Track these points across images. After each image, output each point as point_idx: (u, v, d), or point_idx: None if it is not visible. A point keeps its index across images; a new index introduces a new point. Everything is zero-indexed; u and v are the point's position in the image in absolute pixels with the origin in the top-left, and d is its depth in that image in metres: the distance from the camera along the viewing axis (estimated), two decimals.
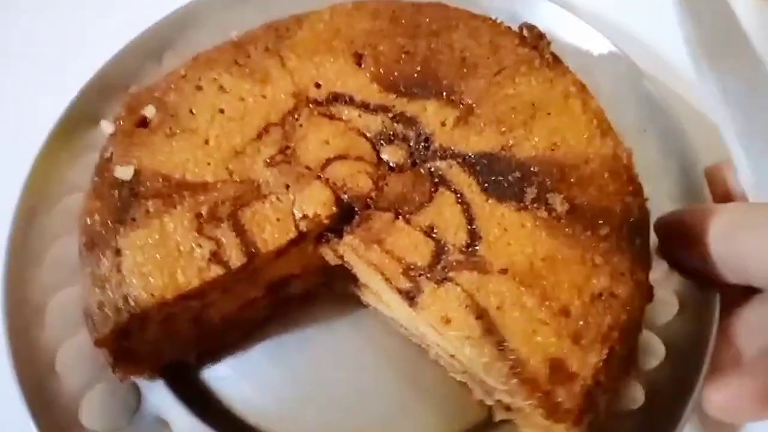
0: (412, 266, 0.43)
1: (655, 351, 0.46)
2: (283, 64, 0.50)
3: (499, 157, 0.46)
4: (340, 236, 0.45)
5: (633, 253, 0.43)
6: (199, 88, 0.49)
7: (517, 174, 0.45)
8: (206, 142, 0.47)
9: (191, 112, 0.48)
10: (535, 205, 0.44)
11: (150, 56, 0.58)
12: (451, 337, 0.41)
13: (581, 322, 0.40)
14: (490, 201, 0.44)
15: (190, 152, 0.47)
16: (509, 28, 0.51)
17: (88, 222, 0.45)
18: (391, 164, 0.47)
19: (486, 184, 0.45)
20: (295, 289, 0.50)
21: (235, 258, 0.43)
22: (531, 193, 0.44)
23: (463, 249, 0.43)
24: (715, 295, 0.46)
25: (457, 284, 0.42)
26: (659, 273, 0.48)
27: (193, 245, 0.43)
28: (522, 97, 0.48)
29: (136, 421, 0.46)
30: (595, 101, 0.48)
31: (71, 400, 0.46)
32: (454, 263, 0.43)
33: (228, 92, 0.49)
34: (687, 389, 0.44)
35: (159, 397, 0.47)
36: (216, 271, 0.43)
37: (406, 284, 0.43)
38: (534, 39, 0.50)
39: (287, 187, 0.46)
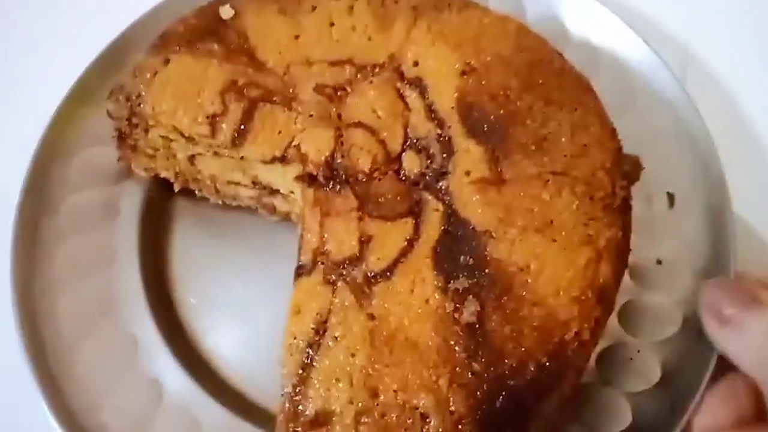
0: (324, 252, 0.43)
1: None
2: (411, 27, 0.50)
3: (474, 236, 0.43)
4: (311, 183, 0.46)
5: None
6: None
7: (471, 262, 0.42)
8: (296, 37, 0.50)
9: (313, 8, 0.51)
10: (454, 296, 0.41)
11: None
12: None
13: None
14: (426, 261, 0.42)
15: (279, 35, 0.50)
16: (614, 149, 0.45)
17: (179, 28, 0.51)
18: (401, 168, 0.46)
19: (440, 246, 0.43)
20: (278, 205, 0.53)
21: (223, 134, 0.47)
22: (461, 284, 0.41)
23: (369, 276, 0.42)
24: None
25: (345, 294, 0.42)
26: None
27: (208, 99, 0.47)
28: (548, 207, 0.43)
29: (158, 414, 0.47)
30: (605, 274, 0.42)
31: (90, 395, 0.46)
32: (354, 278, 0.42)
33: (352, 15, 0.50)
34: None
35: (181, 390, 0.48)
36: (201, 131, 0.47)
37: (307, 261, 0.43)
38: (626, 174, 0.44)
39: (310, 116, 0.47)
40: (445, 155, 0.46)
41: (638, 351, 0.47)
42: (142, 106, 0.48)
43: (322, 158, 0.46)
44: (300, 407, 0.39)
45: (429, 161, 0.46)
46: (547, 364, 0.39)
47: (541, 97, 0.47)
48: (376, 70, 0.49)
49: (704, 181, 0.51)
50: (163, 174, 0.54)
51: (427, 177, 0.45)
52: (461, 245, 0.42)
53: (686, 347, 0.46)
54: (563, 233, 0.42)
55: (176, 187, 0.54)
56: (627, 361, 0.46)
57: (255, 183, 0.52)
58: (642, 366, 0.46)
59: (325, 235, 0.44)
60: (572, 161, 0.44)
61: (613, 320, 0.46)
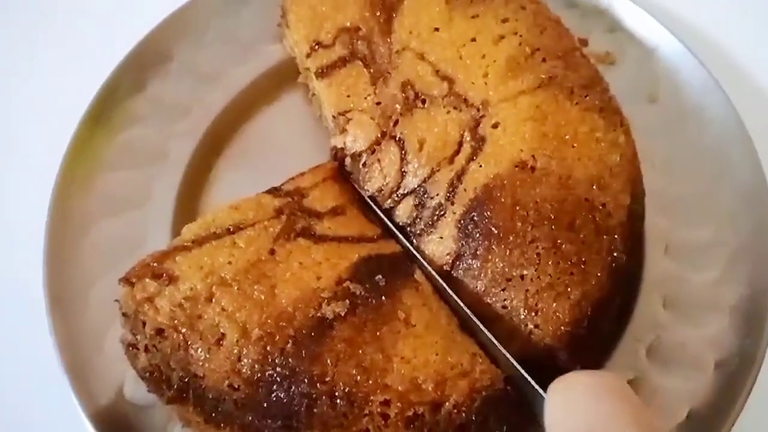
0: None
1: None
2: (527, 93, 0.46)
3: None
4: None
5: None
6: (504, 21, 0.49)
7: None
8: (436, 29, 0.49)
9: (474, 16, 0.49)
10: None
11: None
12: None
13: None
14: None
15: (426, 18, 0.50)
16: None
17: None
18: (394, 209, 0.46)
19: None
20: None
21: (313, 62, 0.50)
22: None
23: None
24: None
25: None
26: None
27: (328, 29, 0.50)
28: None
29: None
30: None
31: (114, 376, 0.45)
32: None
33: (495, 46, 0.48)
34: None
35: None
36: (303, 48, 0.51)
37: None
38: None
39: (378, 103, 0.48)
40: (429, 224, 0.44)
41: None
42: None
43: (352, 150, 0.48)
44: None
45: (414, 221, 0.45)
46: None
47: (553, 243, 0.42)
48: (462, 104, 0.47)
49: None
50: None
51: (408, 228, 0.45)
52: None
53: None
54: None
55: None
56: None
57: None
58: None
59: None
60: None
61: None
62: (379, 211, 0.47)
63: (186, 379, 0.40)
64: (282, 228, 0.44)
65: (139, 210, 0.51)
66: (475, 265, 0.42)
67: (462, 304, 0.42)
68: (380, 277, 0.42)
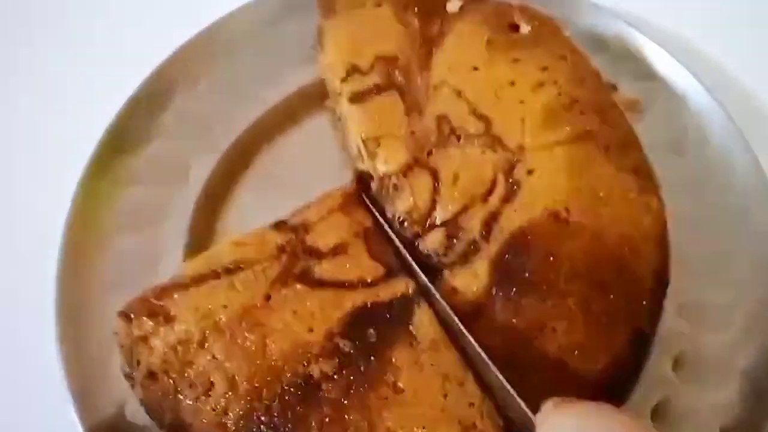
0: None
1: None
2: (562, 145, 0.46)
3: None
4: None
5: None
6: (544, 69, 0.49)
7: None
8: (475, 68, 0.49)
9: (515, 60, 0.49)
10: None
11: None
12: None
13: None
14: None
15: (465, 57, 0.49)
16: None
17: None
18: (422, 238, 0.45)
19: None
20: None
21: (350, 85, 0.49)
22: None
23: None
24: None
25: None
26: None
27: (366, 54, 0.50)
28: None
29: None
30: None
31: (118, 393, 0.44)
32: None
33: (533, 93, 0.48)
34: None
35: None
36: (339, 71, 0.50)
37: None
38: None
39: (412, 133, 0.47)
40: (463, 257, 0.44)
41: None
42: None
43: (382, 171, 0.47)
44: None
45: (446, 252, 0.45)
46: None
47: (585, 300, 0.42)
48: (498, 146, 0.46)
49: None
50: None
51: (434, 262, 0.45)
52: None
53: None
54: None
55: None
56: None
57: None
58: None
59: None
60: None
61: None
62: (393, 236, 0.46)
63: (176, 422, 0.39)
64: (280, 271, 0.43)
65: (156, 226, 0.50)
66: (509, 307, 0.42)
67: (473, 341, 0.41)
68: (372, 331, 0.41)
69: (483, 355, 0.41)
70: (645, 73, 0.57)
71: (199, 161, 0.53)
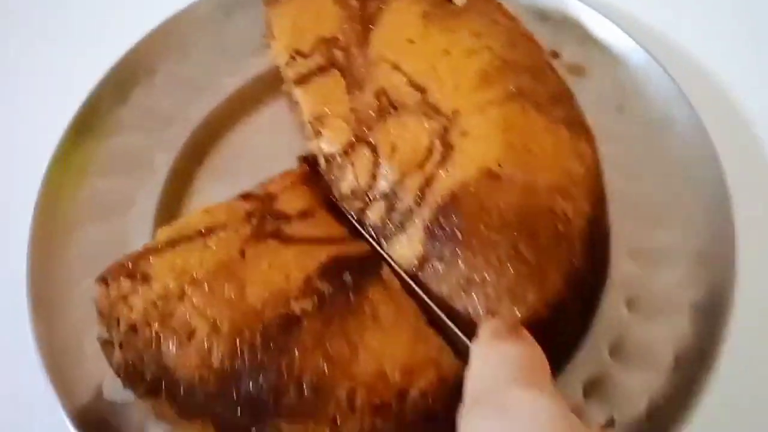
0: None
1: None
2: (497, 105, 0.48)
3: None
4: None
5: None
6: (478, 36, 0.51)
7: None
8: (411, 41, 0.51)
9: (450, 30, 0.51)
10: None
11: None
12: None
13: None
14: None
15: (401, 32, 0.51)
16: None
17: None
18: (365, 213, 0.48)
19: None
20: None
21: (293, 70, 0.52)
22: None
23: None
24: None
25: None
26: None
27: (307, 39, 0.52)
28: None
29: None
30: None
31: (94, 375, 0.46)
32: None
33: (468, 58, 0.49)
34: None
35: None
36: (283, 58, 0.53)
37: None
38: None
39: (351, 109, 0.49)
40: (398, 226, 0.46)
41: None
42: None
43: (326, 152, 0.49)
44: None
45: (385, 224, 0.46)
46: None
47: (514, 249, 0.43)
48: (434, 113, 0.48)
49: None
50: None
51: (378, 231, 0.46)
52: None
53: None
54: None
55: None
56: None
57: None
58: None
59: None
60: None
61: None
62: (348, 213, 0.48)
63: (158, 373, 0.41)
64: (252, 230, 0.45)
65: (122, 215, 0.53)
66: (441, 269, 0.43)
67: (429, 301, 0.43)
68: (348, 275, 0.43)
69: (438, 311, 0.43)
70: (585, 38, 0.59)
71: (163, 150, 0.55)
